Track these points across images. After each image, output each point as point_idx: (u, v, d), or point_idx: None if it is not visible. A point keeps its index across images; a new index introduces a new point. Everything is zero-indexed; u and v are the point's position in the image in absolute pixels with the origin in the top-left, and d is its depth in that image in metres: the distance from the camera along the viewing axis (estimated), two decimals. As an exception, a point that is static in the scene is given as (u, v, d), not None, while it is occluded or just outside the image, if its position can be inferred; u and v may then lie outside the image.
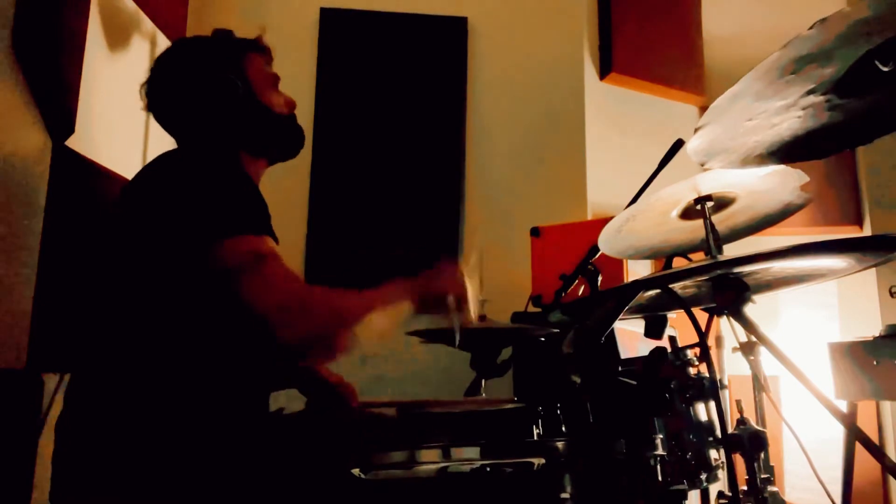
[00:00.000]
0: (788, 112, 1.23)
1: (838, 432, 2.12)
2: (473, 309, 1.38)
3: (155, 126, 2.01)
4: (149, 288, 1.19)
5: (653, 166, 1.63)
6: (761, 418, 1.57)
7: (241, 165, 1.36)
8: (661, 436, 1.25)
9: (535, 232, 2.29)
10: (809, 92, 1.17)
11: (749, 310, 1.36)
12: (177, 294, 1.19)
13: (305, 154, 1.55)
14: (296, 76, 2.50)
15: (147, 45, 2.02)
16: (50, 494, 1.18)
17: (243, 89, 1.39)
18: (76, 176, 1.55)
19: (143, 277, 1.20)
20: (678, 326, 1.70)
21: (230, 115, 1.38)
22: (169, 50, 1.48)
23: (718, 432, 1.31)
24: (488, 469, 1.01)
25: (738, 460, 1.29)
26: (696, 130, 1.26)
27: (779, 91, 1.16)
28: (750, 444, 1.26)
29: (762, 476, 1.29)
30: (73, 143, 1.53)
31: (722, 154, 1.35)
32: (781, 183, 1.48)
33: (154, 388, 1.16)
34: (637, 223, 1.54)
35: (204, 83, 1.36)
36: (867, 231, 2.94)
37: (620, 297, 1.40)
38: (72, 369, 1.29)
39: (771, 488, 1.31)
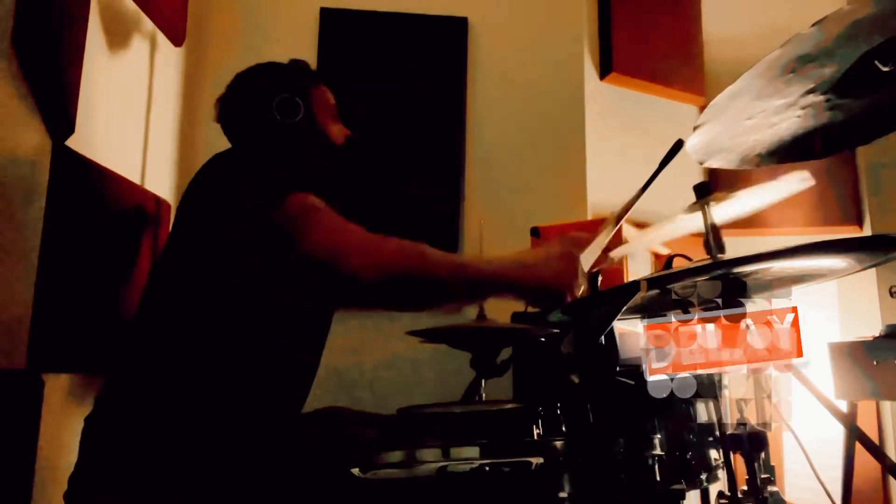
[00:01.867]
0: (788, 111, 1.23)
1: (838, 432, 2.12)
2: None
3: (155, 126, 2.01)
4: (208, 284, 1.25)
5: (653, 166, 1.62)
6: (761, 418, 1.57)
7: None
8: (661, 436, 1.25)
9: (535, 232, 2.29)
10: (809, 91, 1.17)
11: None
12: (234, 287, 1.24)
13: (305, 154, 1.58)
14: (296, 76, 2.49)
15: (147, 45, 2.02)
16: (66, 494, 1.19)
17: (305, 114, 1.52)
18: (76, 176, 1.55)
19: (205, 271, 1.26)
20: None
21: (291, 135, 1.50)
22: (247, 71, 1.59)
23: (718, 432, 1.31)
24: (487, 469, 1.01)
25: (738, 460, 1.29)
26: (695, 128, 1.26)
27: (778, 90, 1.17)
28: (750, 443, 1.26)
29: (762, 476, 1.29)
30: (73, 143, 1.53)
31: (721, 153, 1.35)
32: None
33: (190, 392, 1.18)
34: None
35: (271, 104, 1.49)
36: (867, 231, 2.94)
37: (620, 297, 1.40)
38: (108, 372, 1.34)
39: (771, 488, 1.31)
